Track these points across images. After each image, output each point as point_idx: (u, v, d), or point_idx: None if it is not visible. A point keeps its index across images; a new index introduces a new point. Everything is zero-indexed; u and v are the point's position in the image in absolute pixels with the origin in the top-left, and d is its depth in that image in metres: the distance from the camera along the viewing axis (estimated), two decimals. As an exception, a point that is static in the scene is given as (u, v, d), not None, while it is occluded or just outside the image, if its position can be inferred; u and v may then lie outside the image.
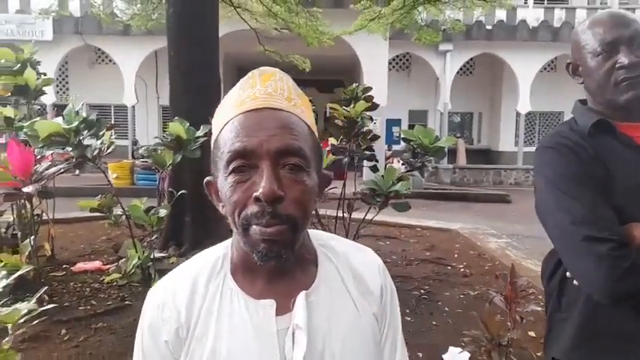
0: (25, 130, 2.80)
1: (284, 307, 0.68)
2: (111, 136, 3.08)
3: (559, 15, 15.02)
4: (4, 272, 1.80)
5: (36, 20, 14.72)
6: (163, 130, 15.66)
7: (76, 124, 2.77)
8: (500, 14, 14.62)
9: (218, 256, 0.73)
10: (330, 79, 17.25)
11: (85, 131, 2.84)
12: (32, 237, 3.33)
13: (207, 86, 4.51)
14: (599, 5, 15.75)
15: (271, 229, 0.62)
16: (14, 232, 3.91)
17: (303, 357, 0.65)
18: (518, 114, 15.49)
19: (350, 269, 0.75)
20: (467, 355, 2.37)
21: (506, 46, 14.68)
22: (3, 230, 3.90)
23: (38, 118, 3.05)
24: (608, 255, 0.98)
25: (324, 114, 16.13)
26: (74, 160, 2.88)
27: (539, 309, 3.56)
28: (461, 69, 15.77)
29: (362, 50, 13.34)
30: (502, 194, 11.63)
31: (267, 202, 0.61)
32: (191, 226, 4.42)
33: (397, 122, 16.46)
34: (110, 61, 15.80)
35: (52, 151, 2.87)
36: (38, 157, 3.05)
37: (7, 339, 1.46)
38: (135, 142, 15.52)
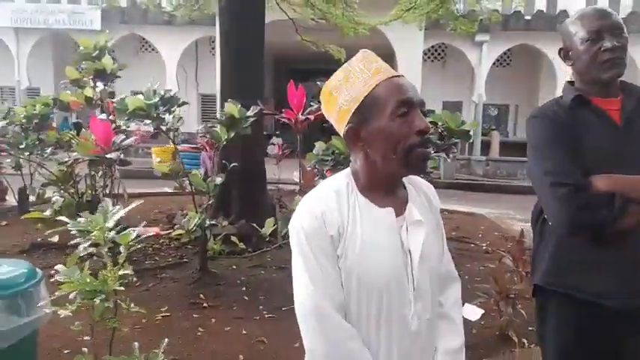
0: (115, 105, 3.32)
1: (397, 212, 1.05)
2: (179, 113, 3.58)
3: (602, 5, 14.71)
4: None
5: (85, 10, 15.64)
6: (202, 118, 16.33)
7: (155, 100, 3.27)
8: (540, 4, 14.44)
9: (345, 182, 1.07)
10: (365, 69, 17.42)
11: (162, 107, 3.33)
12: (103, 200, 3.86)
13: (253, 72, 4.93)
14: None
15: (428, 150, 1.02)
16: (88, 199, 4.47)
17: (422, 241, 1.05)
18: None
19: (422, 191, 1.16)
20: (480, 311, 2.71)
21: (546, 37, 14.49)
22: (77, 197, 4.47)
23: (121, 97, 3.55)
24: (567, 195, 1.28)
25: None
26: (152, 131, 3.39)
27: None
28: (497, 60, 15.68)
29: (396, 40, 13.49)
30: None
31: (425, 133, 1.00)
32: (239, 197, 4.89)
33: (431, 113, 16.54)
34: (153, 49, 16.50)
35: (136, 125, 3.37)
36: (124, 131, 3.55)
37: (122, 254, 1.93)
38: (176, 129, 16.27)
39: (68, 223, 2.17)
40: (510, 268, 2.72)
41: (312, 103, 4.56)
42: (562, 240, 1.40)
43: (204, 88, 16.92)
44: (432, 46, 16.15)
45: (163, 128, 3.44)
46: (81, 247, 2.10)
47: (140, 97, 3.29)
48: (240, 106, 3.88)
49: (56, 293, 2.05)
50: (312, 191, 1.09)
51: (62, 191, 4.40)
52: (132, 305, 2.02)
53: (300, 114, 4.13)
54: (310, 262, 1.01)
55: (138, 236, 2.09)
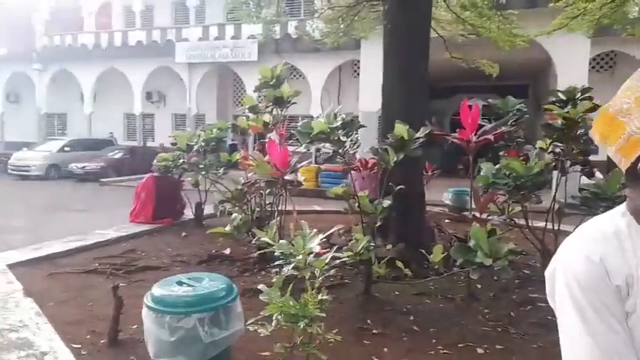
0: (299, 128, 3.49)
1: None
2: (356, 135, 3.62)
3: None
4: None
5: (246, 44, 17.33)
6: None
7: (338, 124, 3.35)
8: None
9: (624, 222, 0.86)
10: (514, 84, 16.22)
11: (341, 130, 3.40)
12: (277, 218, 4.05)
13: (416, 93, 4.82)
14: None
15: None
16: (257, 216, 4.75)
17: None
18: None
19: None
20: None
21: None
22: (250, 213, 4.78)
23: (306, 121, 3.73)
24: None
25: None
26: (331, 153, 3.47)
27: None
28: (684, 66, 13.29)
29: (556, 51, 12.28)
30: None
31: None
32: (397, 219, 4.76)
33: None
34: (300, 75, 17.59)
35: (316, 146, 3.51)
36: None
37: (318, 278, 1.92)
38: (318, 150, 16.98)
39: (247, 238, 2.27)
40: None
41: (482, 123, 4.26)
42: None
43: (345, 109, 17.42)
44: (599, 55, 14.37)
45: (341, 151, 3.48)
46: (285, 270, 2.14)
47: (321, 120, 3.39)
48: (408, 127, 3.77)
49: (261, 313, 2.12)
50: (581, 232, 0.89)
51: (237, 207, 4.76)
52: (327, 332, 2.00)
53: (473, 134, 3.87)
54: (591, 320, 0.81)
55: (332, 260, 2.07)
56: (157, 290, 2.57)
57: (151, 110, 19.96)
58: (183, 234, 6.77)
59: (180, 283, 2.64)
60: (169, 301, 2.48)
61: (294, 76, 18.61)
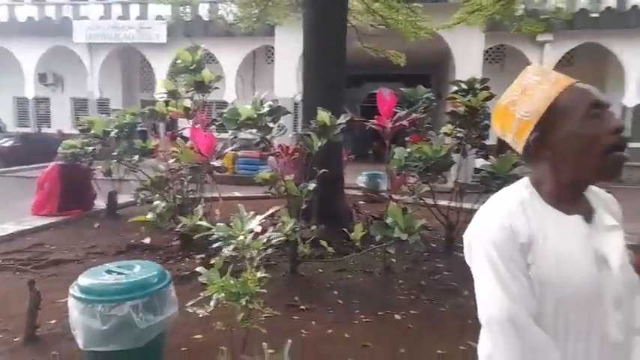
0: (225, 114, 3.50)
1: (585, 220, 1.04)
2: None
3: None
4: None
5: (153, 25, 16.44)
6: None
7: (265, 110, 3.42)
8: (609, 0, 13.78)
9: (527, 192, 1.07)
10: (417, 74, 17.25)
11: (268, 117, 3.48)
12: (203, 204, 4.06)
13: (335, 81, 5.03)
14: None
15: (626, 155, 0.99)
16: (179, 203, 4.70)
17: (621, 244, 1.06)
18: (624, 107, 14.49)
19: (604, 201, 1.14)
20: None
21: (614, 35, 13.79)
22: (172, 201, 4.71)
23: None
24: None
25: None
26: (258, 139, 3.54)
27: None
28: (560, 60, 15.10)
29: (455, 43, 13.27)
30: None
31: (621, 131, 0.98)
32: (319, 202, 4.98)
33: (489, 116, 16.12)
34: (213, 60, 17.10)
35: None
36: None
37: (255, 258, 2.04)
38: (234, 136, 16.77)
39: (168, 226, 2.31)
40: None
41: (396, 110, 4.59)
42: None
43: (260, 95, 17.36)
44: (490, 48, 15.75)
45: (268, 137, 3.58)
46: (225, 251, 2.22)
47: (248, 106, 3.45)
48: (330, 114, 3.97)
49: (201, 294, 2.18)
50: (491, 203, 1.09)
51: (158, 195, 4.65)
52: (265, 307, 2.13)
53: (389, 120, 4.17)
54: (502, 272, 1.00)
55: (268, 241, 2.20)
56: (85, 280, 2.51)
57: (46, 94, 18.20)
58: (97, 225, 6.42)
59: (109, 272, 2.60)
60: (100, 289, 2.44)
61: (207, 61, 18.07)
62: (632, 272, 1.14)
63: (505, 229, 1.01)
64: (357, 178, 9.13)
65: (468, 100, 4.43)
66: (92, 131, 5.68)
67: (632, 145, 14.45)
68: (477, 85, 4.75)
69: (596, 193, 1.15)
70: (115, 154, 5.68)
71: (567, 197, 1.06)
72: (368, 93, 18.84)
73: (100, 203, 7.15)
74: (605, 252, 1.03)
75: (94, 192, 7.10)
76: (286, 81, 14.63)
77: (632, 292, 1.10)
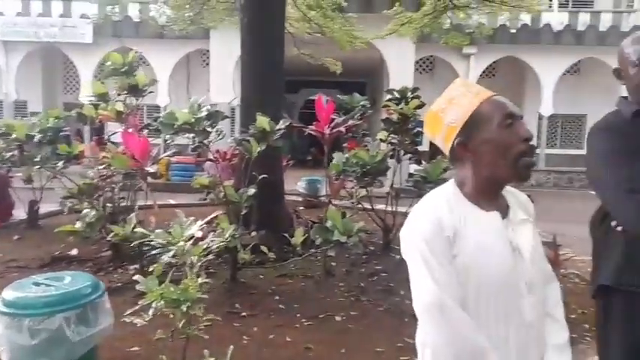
0: (161, 118, 3.39)
1: (502, 216, 1.19)
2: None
3: (584, 19, 15.27)
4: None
5: (77, 24, 15.55)
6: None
7: (203, 114, 3.36)
8: (525, 18, 14.97)
9: (451, 191, 1.21)
10: (353, 81, 17.70)
11: (206, 121, 3.42)
12: (137, 212, 3.92)
13: (273, 85, 5.05)
14: (625, 9, 15.99)
15: (533, 160, 1.17)
16: (111, 212, 4.49)
17: (531, 236, 1.20)
18: (540, 116, 15.75)
19: (519, 200, 1.29)
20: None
21: (530, 50, 15.00)
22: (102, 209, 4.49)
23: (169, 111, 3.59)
24: None
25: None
26: (197, 143, 3.46)
27: (577, 272, 4.08)
28: (484, 72, 16.15)
29: (389, 53, 13.81)
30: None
31: (530, 140, 1.14)
32: (259, 208, 4.95)
33: (420, 123, 16.85)
34: (144, 62, 16.46)
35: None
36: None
37: (195, 265, 2.02)
38: (166, 141, 16.20)
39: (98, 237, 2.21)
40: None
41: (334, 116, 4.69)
42: (633, 245, 1.53)
43: (196, 99, 16.95)
44: (421, 58, 16.53)
45: (206, 142, 3.52)
46: (165, 258, 2.16)
47: (185, 110, 3.37)
48: (269, 119, 3.98)
49: (139, 302, 2.11)
50: (423, 202, 1.22)
51: (86, 203, 4.41)
52: (206, 314, 2.10)
53: (327, 127, 4.26)
54: (431, 263, 1.11)
55: (208, 247, 2.18)
56: (10, 293, 2.34)
57: (-48, 94, 16.61)
58: (16, 237, 5.94)
59: (37, 284, 2.44)
60: (27, 302, 2.28)
61: (138, 62, 17.34)
62: (544, 262, 1.30)
63: (433, 224, 1.13)
64: (296, 184, 9.18)
65: (401, 108, 4.63)
66: (13, 135, 5.26)
67: (547, 151, 15.86)
68: (409, 94, 4.98)
69: (512, 193, 1.30)
70: (37, 159, 5.30)
71: (486, 195, 1.20)
72: (305, 99, 19.01)
73: (20, 213, 6.64)
74: (518, 243, 1.18)
75: (12, 201, 6.57)
76: (223, 85, 14.42)
77: (543, 279, 1.27)
